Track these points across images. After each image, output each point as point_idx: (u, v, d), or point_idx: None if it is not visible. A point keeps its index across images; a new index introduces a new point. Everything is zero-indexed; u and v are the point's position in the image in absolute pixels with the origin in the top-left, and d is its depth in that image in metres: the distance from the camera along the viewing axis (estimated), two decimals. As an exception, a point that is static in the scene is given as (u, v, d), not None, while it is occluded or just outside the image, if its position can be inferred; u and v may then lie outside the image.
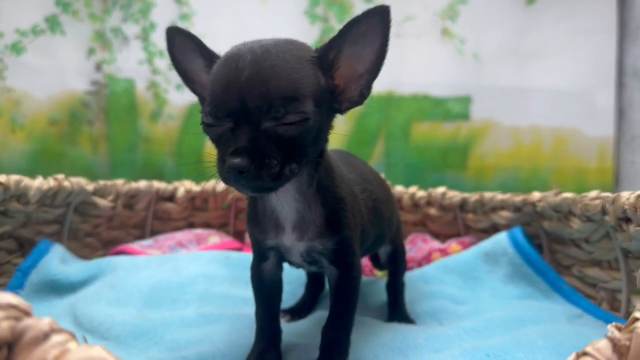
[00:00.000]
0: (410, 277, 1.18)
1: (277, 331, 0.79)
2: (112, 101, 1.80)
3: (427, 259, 1.37)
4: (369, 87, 0.66)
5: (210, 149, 0.64)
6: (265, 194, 0.69)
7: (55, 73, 1.75)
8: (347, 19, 0.63)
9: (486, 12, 1.83)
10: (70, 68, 1.76)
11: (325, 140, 0.70)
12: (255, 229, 0.75)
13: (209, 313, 0.95)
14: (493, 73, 1.83)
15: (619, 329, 0.43)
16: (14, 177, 1.03)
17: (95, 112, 1.80)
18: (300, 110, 0.59)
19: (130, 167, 1.80)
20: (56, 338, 0.36)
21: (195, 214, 1.54)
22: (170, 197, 1.49)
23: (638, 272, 0.87)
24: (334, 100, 0.65)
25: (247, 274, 0.81)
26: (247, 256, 0.88)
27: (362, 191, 0.83)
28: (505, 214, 1.34)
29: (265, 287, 0.80)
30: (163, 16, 1.80)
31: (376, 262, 1.14)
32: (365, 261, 1.19)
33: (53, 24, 1.74)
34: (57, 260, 1.09)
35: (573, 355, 0.42)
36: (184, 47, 0.72)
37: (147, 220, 1.46)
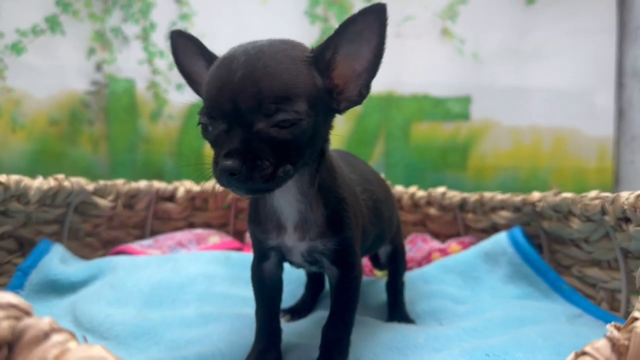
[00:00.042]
0: (410, 277, 1.18)
1: (277, 331, 0.80)
2: (112, 101, 1.80)
3: (427, 258, 1.37)
4: (367, 87, 0.66)
5: (209, 149, 0.65)
6: (260, 195, 0.69)
7: (56, 73, 1.75)
8: (347, 18, 0.63)
9: (486, 12, 1.83)
10: (71, 68, 1.76)
11: (325, 141, 0.70)
12: (256, 229, 0.75)
13: (209, 313, 0.95)
14: (493, 73, 1.83)
15: (618, 329, 0.43)
16: (14, 177, 1.03)
17: (95, 112, 1.80)
18: (292, 110, 0.58)
19: (130, 167, 1.80)
20: (56, 337, 0.36)
21: (195, 214, 1.54)
22: (170, 197, 1.49)
23: (637, 271, 0.87)
24: (332, 100, 0.65)
25: (247, 274, 0.81)
26: (247, 256, 0.89)
27: (363, 191, 0.83)
28: (505, 214, 1.34)
29: (266, 287, 0.80)
30: (163, 16, 1.80)
31: (376, 262, 1.14)
32: (365, 261, 1.19)
33: (53, 24, 1.74)
34: (57, 260, 1.09)
35: (572, 355, 0.42)
36: (186, 49, 0.73)
37: (147, 220, 1.46)
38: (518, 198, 1.29)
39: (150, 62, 1.81)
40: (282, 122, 0.58)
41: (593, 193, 1.01)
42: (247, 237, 1.51)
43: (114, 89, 1.80)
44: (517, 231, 1.25)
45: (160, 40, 1.80)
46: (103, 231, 1.36)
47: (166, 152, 1.82)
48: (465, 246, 1.39)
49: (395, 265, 1.06)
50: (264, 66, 0.59)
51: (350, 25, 0.62)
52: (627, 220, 0.91)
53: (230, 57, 0.62)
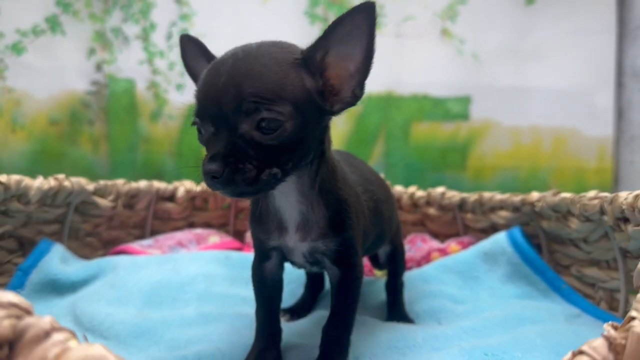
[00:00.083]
0: (410, 276, 1.18)
1: (277, 330, 0.80)
2: (113, 101, 1.80)
3: (426, 258, 1.38)
4: (361, 87, 0.64)
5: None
6: (247, 198, 0.69)
7: (56, 73, 1.75)
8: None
9: (486, 12, 1.83)
10: (71, 68, 1.77)
11: (322, 142, 0.69)
12: (258, 229, 0.76)
13: (209, 312, 0.95)
14: (493, 73, 1.83)
15: (615, 328, 0.43)
16: (15, 177, 1.03)
17: (95, 112, 1.80)
18: (275, 110, 0.58)
19: (130, 167, 1.80)
20: (57, 336, 0.36)
21: (195, 214, 1.54)
22: (171, 197, 1.50)
23: (635, 271, 0.87)
24: (324, 102, 0.63)
25: (247, 274, 0.81)
26: (247, 256, 0.89)
27: (363, 192, 0.83)
28: (504, 213, 1.35)
29: (267, 287, 0.80)
30: (163, 16, 1.80)
31: (375, 262, 1.14)
32: (364, 261, 1.19)
33: (53, 24, 1.74)
34: (57, 260, 1.09)
35: (569, 354, 0.42)
36: (194, 53, 0.74)
37: (147, 220, 1.47)
38: (517, 198, 1.29)
39: (150, 62, 1.81)
40: (264, 123, 0.58)
41: (592, 193, 1.01)
42: (247, 237, 1.51)
43: (114, 89, 1.80)
44: (516, 231, 1.25)
45: (161, 41, 1.81)
46: (103, 231, 1.36)
47: (166, 152, 1.83)
48: (464, 246, 1.39)
49: (395, 265, 1.06)
50: (248, 69, 0.59)
51: (338, 26, 0.61)
52: (626, 220, 0.91)
53: (220, 61, 0.62)
